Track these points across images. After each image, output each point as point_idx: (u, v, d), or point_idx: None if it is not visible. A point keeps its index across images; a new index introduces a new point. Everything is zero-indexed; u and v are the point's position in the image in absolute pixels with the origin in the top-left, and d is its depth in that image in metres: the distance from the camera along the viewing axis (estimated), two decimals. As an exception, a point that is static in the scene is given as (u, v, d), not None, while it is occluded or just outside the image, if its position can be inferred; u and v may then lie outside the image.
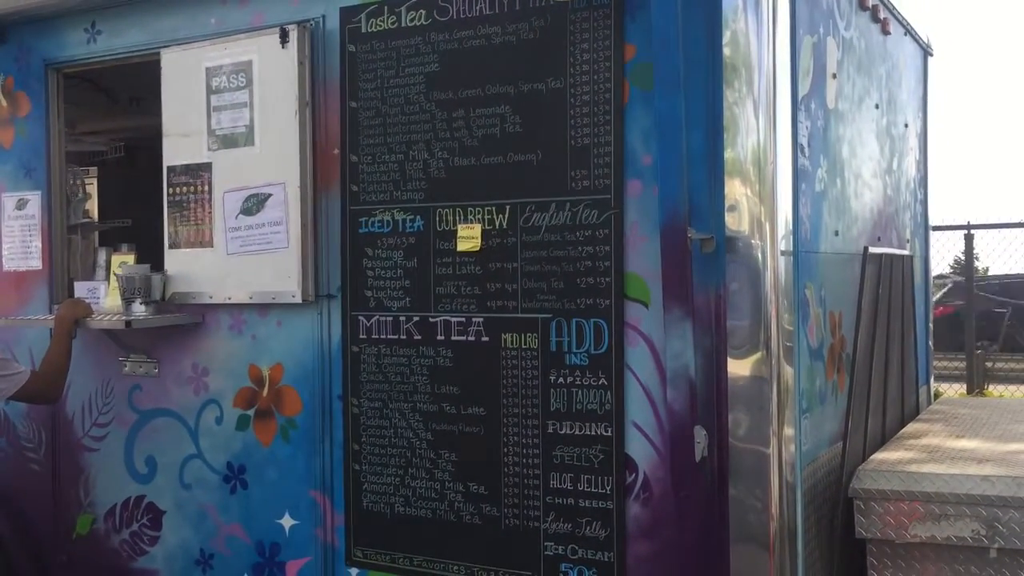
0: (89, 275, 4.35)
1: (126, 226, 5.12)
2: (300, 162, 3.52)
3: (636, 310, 3.06)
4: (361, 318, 3.49)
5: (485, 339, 3.28)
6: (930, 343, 5.34)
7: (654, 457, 3.04)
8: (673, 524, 2.95)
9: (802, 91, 3.12)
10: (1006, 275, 11.43)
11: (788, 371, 2.94)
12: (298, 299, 3.54)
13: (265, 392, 3.68)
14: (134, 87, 5.19)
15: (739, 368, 2.92)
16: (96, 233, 4.89)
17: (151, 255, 4.05)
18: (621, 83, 3.06)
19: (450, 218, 3.33)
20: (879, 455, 3.58)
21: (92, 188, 5.26)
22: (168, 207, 3.83)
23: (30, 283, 4.24)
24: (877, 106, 4.14)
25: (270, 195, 3.58)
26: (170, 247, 3.84)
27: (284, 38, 3.52)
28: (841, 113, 3.60)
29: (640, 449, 3.06)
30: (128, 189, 5.55)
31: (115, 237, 4.74)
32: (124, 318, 3.70)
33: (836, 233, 3.53)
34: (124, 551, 4.02)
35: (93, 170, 5.21)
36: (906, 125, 4.74)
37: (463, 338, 3.32)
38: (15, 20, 4.20)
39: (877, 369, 3.88)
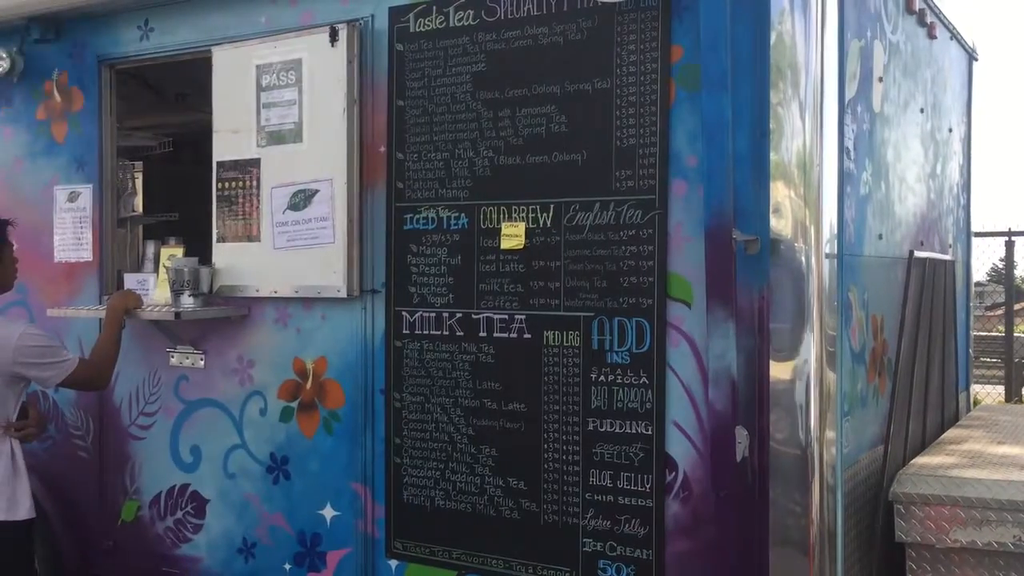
0: (136, 267, 4.44)
1: (171, 220, 5.23)
2: (347, 159, 3.58)
3: (679, 310, 3.08)
4: (405, 313, 3.54)
5: (527, 336, 3.31)
6: (970, 349, 5.30)
7: (694, 456, 3.06)
8: (712, 524, 2.97)
9: (848, 94, 3.13)
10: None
11: (830, 375, 2.94)
12: (343, 294, 3.59)
13: (309, 385, 3.74)
14: (181, 83, 5.29)
15: (781, 370, 2.94)
16: (141, 227, 5.00)
17: (194, 249, 4.14)
18: (667, 84, 3.08)
19: (494, 216, 3.37)
20: (920, 459, 3.57)
21: (138, 183, 5.37)
22: (217, 202, 3.90)
23: (81, 274, 4.34)
24: (922, 110, 4.13)
25: (317, 191, 3.64)
26: (218, 241, 3.91)
27: (334, 37, 3.58)
28: (886, 117, 3.60)
29: (680, 448, 3.08)
30: (171, 184, 5.66)
31: (159, 231, 4.84)
32: (173, 309, 3.78)
33: (880, 237, 3.53)
34: (168, 538, 4.11)
35: (139, 165, 5.32)
36: (950, 130, 4.71)
37: (505, 335, 3.35)
38: (70, 17, 4.30)
39: (919, 374, 3.87)
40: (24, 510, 3.34)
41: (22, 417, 3.42)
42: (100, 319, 3.99)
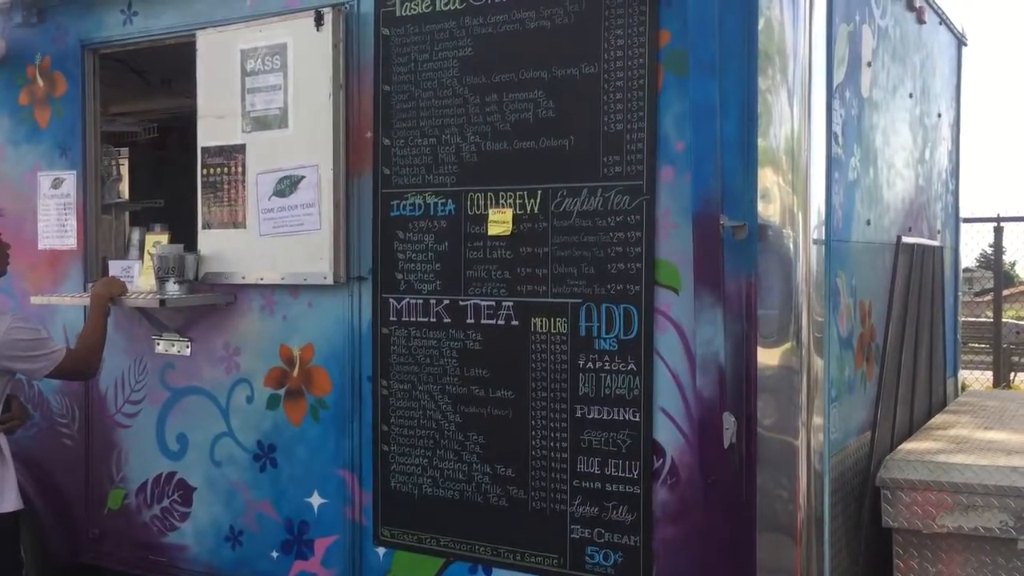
0: (121, 254, 4.41)
1: (156, 207, 5.19)
2: (333, 145, 3.54)
3: (666, 296, 3.07)
4: (392, 300, 3.52)
5: (515, 323, 3.30)
6: (958, 336, 5.32)
7: (682, 443, 3.05)
8: (700, 510, 2.97)
9: (837, 79, 3.11)
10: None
11: (818, 361, 2.94)
12: (329, 280, 3.57)
13: (296, 372, 3.72)
14: (166, 69, 5.24)
15: (769, 357, 2.93)
16: (126, 213, 4.96)
17: (179, 236, 4.10)
18: (655, 69, 3.06)
19: (481, 202, 3.35)
20: (907, 445, 3.58)
21: (123, 169, 5.32)
22: (202, 188, 3.86)
23: (65, 261, 4.30)
24: (911, 95, 4.12)
25: (303, 177, 3.61)
26: (203, 227, 3.87)
27: (319, 21, 3.54)
28: (875, 102, 3.59)
29: (668, 435, 3.08)
30: (157, 170, 5.62)
31: (144, 217, 4.80)
32: (158, 296, 3.75)
33: (868, 222, 3.52)
34: (155, 526, 4.09)
35: (124, 151, 5.27)
36: (939, 115, 4.70)
37: (493, 322, 3.34)
38: (53, 1, 4.25)
39: (906, 359, 3.87)
40: (10, 502, 3.33)
41: (4, 409, 3.39)
42: (85, 306, 3.97)
